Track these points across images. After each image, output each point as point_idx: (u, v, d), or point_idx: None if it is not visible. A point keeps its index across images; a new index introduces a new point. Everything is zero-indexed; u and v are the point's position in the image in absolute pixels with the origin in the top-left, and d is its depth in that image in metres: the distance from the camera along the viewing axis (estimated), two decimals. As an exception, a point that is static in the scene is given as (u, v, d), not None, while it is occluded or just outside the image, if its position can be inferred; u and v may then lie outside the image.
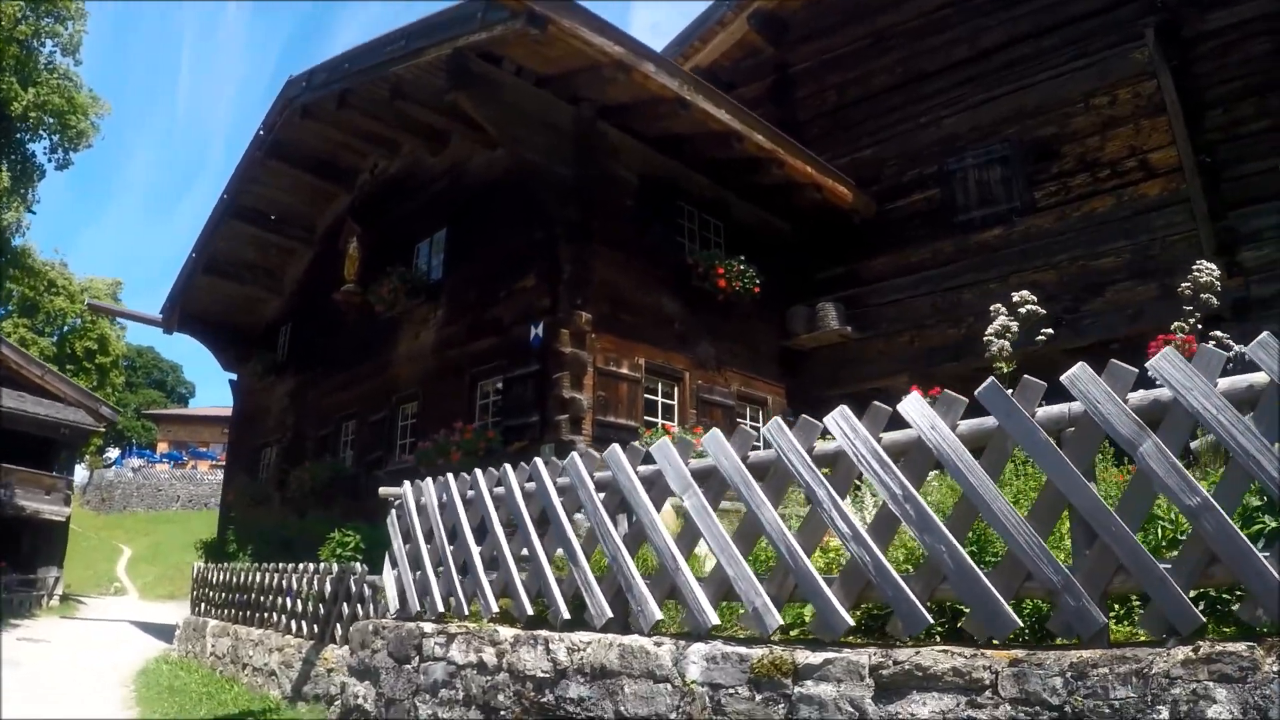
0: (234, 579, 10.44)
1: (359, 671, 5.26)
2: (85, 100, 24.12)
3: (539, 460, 4.60)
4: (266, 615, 9.28)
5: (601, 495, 4.17)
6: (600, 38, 8.06)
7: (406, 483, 5.70)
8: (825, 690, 2.90)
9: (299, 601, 8.51)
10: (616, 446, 4.15)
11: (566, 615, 4.11)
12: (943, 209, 11.11)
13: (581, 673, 3.81)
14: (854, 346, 11.30)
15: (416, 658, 4.79)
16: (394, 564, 5.56)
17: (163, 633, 14.27)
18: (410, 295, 10.84)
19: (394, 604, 5.42)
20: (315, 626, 8.07)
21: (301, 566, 8.67)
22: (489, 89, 8.67)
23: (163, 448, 52.37)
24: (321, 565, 8.28)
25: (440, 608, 4.97)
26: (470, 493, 5.06)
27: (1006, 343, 5.08)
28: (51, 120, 22.84)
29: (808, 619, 3.39)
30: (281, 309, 15.78)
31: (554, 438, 8.54)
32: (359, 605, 7.38)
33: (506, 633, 4.25)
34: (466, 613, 4.78)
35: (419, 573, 5.27)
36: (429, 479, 5.50)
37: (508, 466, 4.82)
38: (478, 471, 5.03)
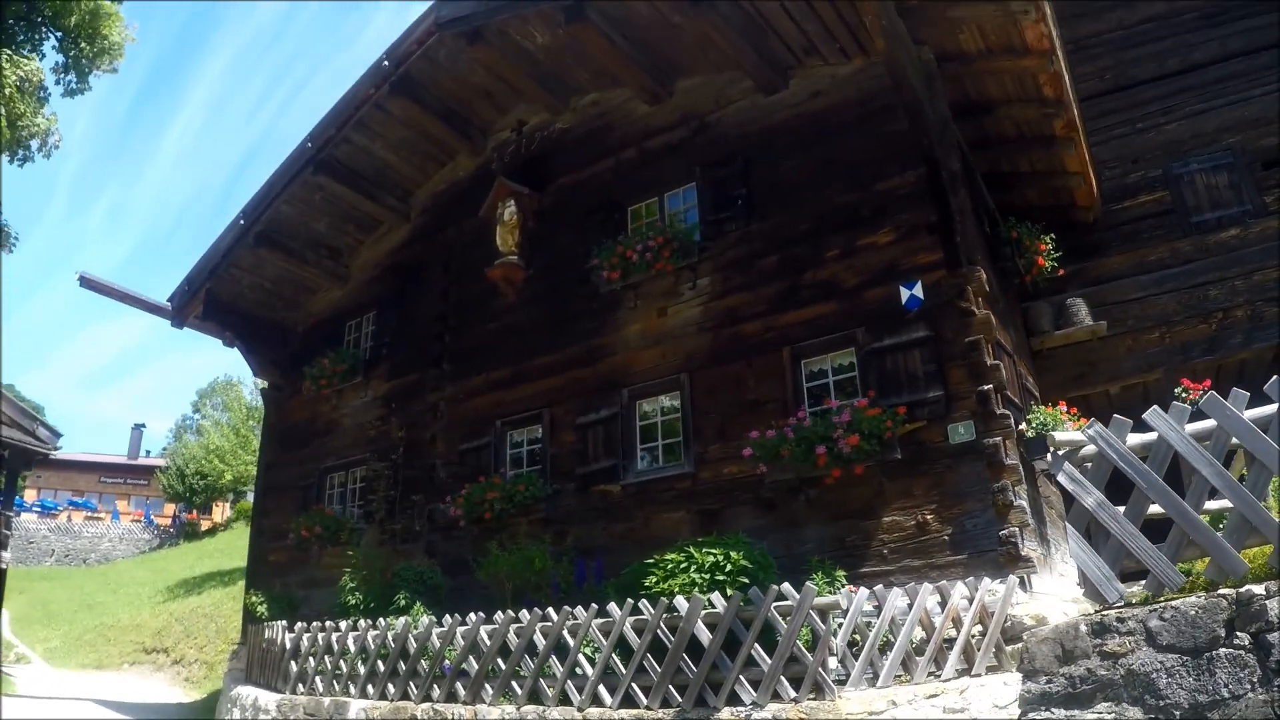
0: (406, 641, 7.35)
1: None
2: (112, 8, 16.42)
3: None
4: (524, 686, 6.42)
5: None
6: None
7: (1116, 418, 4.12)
8: None
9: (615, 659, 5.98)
10: None
11: None
12: (1175, 210, 11.09)
13: None
14: (1096, 345, 10.77)
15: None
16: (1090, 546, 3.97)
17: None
18: (678, 257, 8.87)
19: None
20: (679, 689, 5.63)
21: (637, 606, 6.15)
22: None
23: (30, 496, 42.56)
24: (681, 601, 5.88)
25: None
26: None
27: None
28: (63, 21, 15.23)
29: None
30: (348, 298, 12.69)
31: (972, 413, 7.10)
32: (794, 647, 5.26)
33: None
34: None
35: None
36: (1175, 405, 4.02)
37: None
38: None
